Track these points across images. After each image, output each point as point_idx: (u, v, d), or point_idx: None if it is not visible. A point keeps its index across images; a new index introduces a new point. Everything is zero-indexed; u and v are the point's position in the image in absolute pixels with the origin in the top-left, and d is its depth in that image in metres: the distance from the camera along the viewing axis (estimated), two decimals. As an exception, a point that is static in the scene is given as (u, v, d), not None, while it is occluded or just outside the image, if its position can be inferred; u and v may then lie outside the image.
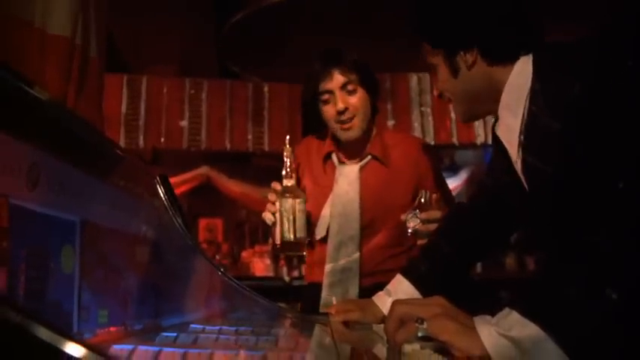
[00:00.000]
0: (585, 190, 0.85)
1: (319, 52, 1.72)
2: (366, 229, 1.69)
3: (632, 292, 0.72)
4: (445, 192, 1.76)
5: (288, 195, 1.49)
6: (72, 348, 0.32)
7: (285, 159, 1.52)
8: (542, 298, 0.78)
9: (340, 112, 1.64)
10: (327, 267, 1.68)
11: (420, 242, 1.51)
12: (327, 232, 1.69)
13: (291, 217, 1.48)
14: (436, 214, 1.49)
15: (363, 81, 1.67)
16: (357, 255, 1.68)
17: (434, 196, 1.53)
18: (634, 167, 0.78)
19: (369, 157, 1.74)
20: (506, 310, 0.79)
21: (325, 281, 1.68)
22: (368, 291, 1.51)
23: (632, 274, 0.73)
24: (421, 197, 1.51)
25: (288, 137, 1.55)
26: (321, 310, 1.64)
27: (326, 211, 1.70)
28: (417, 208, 1.51)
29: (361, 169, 1.73)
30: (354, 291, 1.66)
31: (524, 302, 0.78)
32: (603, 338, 0.73)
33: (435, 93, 1.16)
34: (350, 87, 1.65)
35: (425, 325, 0.81)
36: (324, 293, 1.68)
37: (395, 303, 0.92)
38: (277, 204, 1.49)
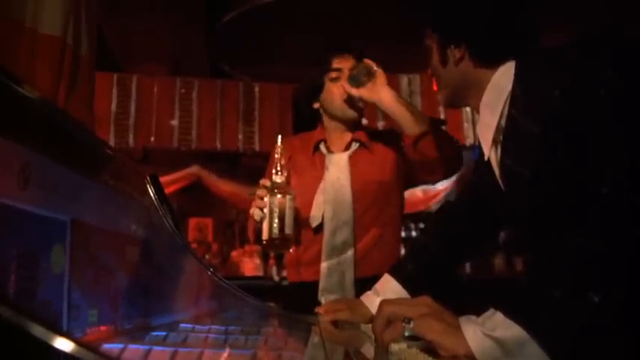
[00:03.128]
0: (563, 194, 0.86)
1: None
2: (358, 212, 1.74)
3: (615, 296, 0.74)
4: None
5: (277, 191, 1.49)
6: (64, 344, 0.33)
7: (277, 155, 1.53)
8: (525, 300, 0.79)
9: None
10: (324, 254, 1.72)
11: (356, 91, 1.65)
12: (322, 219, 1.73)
13: (280, 214, 1.48)
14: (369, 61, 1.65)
15: None
16: (350, 238, 1.72)
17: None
18: (617, 173, 0.79)
19: (356, 145, 1.82)
20: (491, 310, 0.80)
21: (323, 267, 1.71)
22: (363, 283, 1.53)
23: (614, 278, 0.74)
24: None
25: (280, 136, 1.58)
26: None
27: (319, 199, 1.74)
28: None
29: (350, 157, 1.79)
30: (350, 276, 1.69)
31: (508, 303, 0.79)
32: (585, 341, 0.74)
33: (429, 72, 1.19)
34: None
35: (411, 325, 0.83)
36: (322, 282, 1.71)
37: (382, 303, 0.93)
38: (266, 200, 1.50)
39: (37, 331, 0.32)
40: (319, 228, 1.74)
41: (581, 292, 0.74)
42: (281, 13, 3.99)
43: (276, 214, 1.48)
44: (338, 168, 1.77)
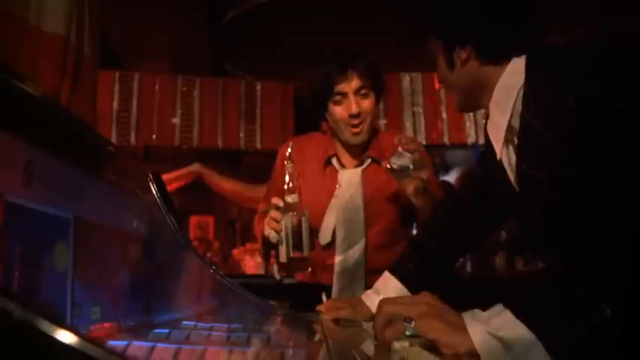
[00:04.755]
0: (579, 203, 0.86)
1: (334, 51, 1.71)
2: (368, 230, 1.71)
3: (628, 310, 0.73)
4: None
5: (292, 212, 1.47)
6: (69, 338, 0.33)
7: (287, 175, 1.49)
8: (537, 303, 0.79)
9: (354, 116, 1.65)
10: (337, 271, 1.70)
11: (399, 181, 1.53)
12: (332, 237, 1.71)
13: (296, 235, 1.46)
14: (419, 143, 1.54)
15: (375, 86, 1.69)
16: (362, 258, 1.70)
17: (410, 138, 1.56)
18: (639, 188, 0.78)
19: (369, 160, 1.76)
20: (500, 307, 0.79)
21: (335, 286, 1.70)
22: None
23: (628, 292, 0.74)
24: (400, 138, 1.50)
25: (289, 151, 1.54)
26: None
27: (330, 217, 1.71)
28: (397, 148, 1.49)
29: (362, 172, 1.74)
30: (360, 293, 1.67)
31: (519, 303, 0.78)
32: (593, 351, 0.74)
33: (437, 80, 1.19)
34: (363, 91, 1.67)
35: (412, 324, 0.82)
36: (334, 297, 1.69)
37: (382, 302, 0.93)
38: (282, 222, 1.47)
39: (44, 326, 0.33)
40: (328, 244, 1.71)
41: (593, 303, 0.73)
42: (282, 10, 3.99)
43: (292, 236, 1.45)
44: (350, 186, 1.72)
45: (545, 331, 0.73)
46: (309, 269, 1.57)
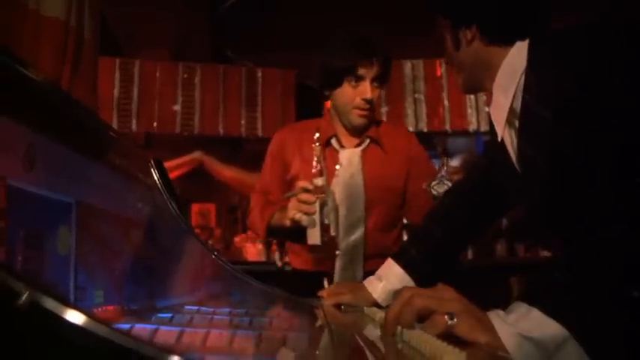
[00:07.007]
0: (582, 181, 0.85)
1: (358, 36, 1.73)
2: (368, 210, 1.73)
3: None
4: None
5: (321, 195, 1.48)
6: (75, 317, 0.33)
7: (315, 157, 1.51)
8: (564, 298, 0.75)
9: (368, 101, 1.70)
10: (339, 251, 1.72)
11: None
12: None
13: (325, 216, 1.47)
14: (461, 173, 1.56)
15: (385, 80, 1.76)
16: (362, 237, 1.72)
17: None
18: None
19: (368, 140, 1.79)
20: (524, 306, 0.76)
21: (338, 264, 1.71)
22: (372, 274, 1.54)
23: None
24: (444, 164, 1.57)
25: (317, 135, 1.55)
26: None
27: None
28: (440, 174, 1.56)
29: (362, 152, 1.78)
30: (359, 273, 1.70)
31: (545, 300, 0.75)
32: (626, 339, 0.71)
33: (444, 60, 1.19)
34: (377, 82, 1.72)
35: (455, 321, 0.74)
36: (336, 277, 1.72)
37: (408, 293, 0.82)
38: (315, 204, 1.48)
39: (53, 305, 0.33)
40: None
41: (622, 289, 0.72)
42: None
43: (323, 218, 1.47)
44: (351, 165, 1.75)
45: (579, 327, 0.71)
46: (337, 252, 1.61)
